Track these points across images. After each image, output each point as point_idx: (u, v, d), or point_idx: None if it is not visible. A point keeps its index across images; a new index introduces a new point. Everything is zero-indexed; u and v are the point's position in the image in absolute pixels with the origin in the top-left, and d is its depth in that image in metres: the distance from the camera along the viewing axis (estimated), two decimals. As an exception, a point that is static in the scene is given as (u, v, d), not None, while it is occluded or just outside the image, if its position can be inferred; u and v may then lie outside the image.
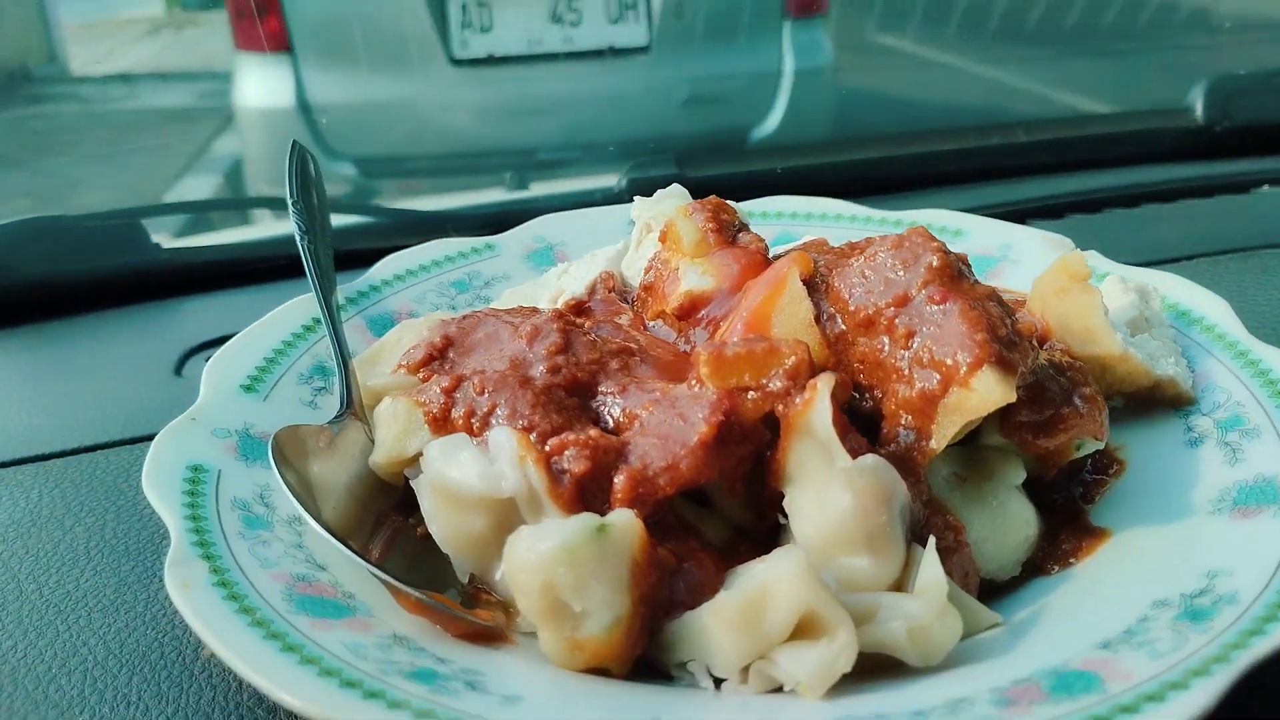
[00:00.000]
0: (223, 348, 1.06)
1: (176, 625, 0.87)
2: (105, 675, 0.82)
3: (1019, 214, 1.94)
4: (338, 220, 1.83)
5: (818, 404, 0.81)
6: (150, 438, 1.18)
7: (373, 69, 4.61)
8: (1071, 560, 0.86)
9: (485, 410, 0.90)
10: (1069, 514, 0.91)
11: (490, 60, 4.45)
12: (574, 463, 0.82)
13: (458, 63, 4.42)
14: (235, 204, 1.93)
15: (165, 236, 1.89)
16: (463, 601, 0.84)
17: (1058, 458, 0.90)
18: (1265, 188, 2.10)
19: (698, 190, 2.05)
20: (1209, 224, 1.82)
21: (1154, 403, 0.97)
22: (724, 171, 2.05)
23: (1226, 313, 1.03)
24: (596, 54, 4.50)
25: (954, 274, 0.88)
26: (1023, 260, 1.22)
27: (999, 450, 0.89)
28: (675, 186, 1.23)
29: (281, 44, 4.37)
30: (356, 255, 1.47)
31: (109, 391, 1.34)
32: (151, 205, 1.89)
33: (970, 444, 0.89)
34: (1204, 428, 0.93)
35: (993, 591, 0.85)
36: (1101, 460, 0.95)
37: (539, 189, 3.05)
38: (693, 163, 2.01)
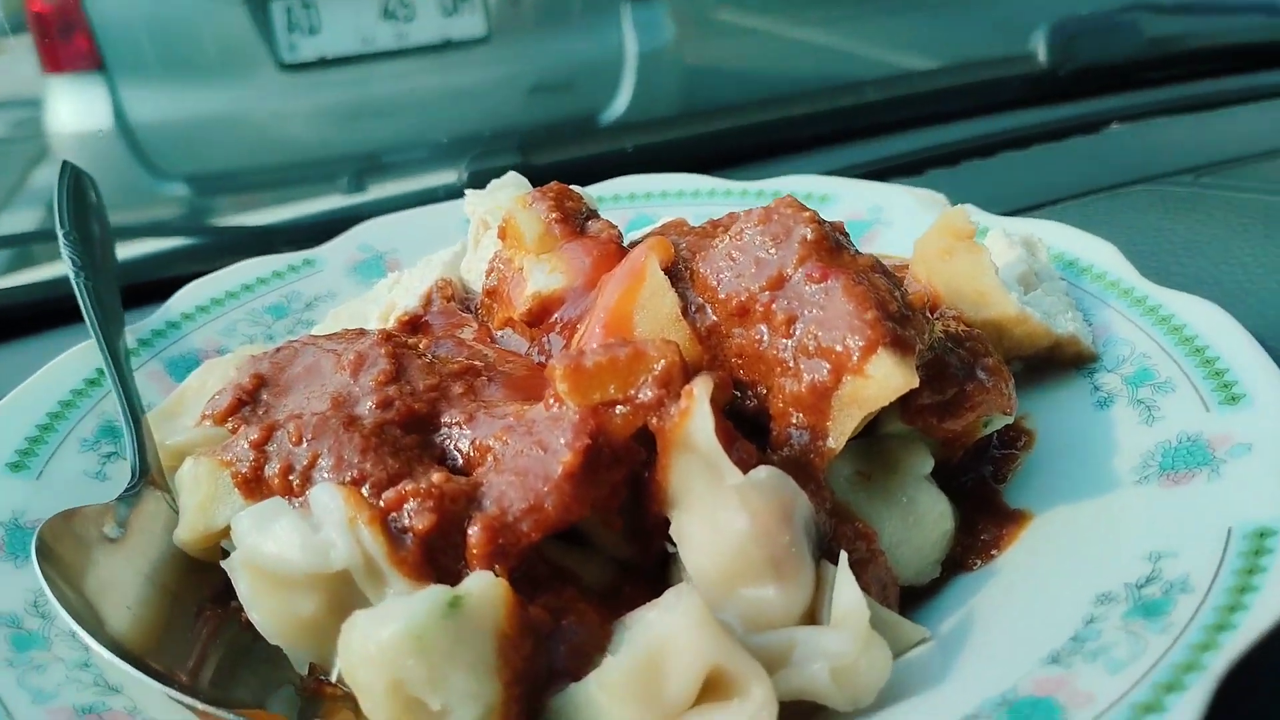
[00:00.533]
0: (-19, 419, 0.88)
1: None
2: None
3: (878, 173, 1.88)
4: (155, 245, 1.62)
5: (696, 413, 0.69)
6: None
7: (197, 81, 4.30)
8: (994, 552, 0.77)
9: (305, 463, 0.75)
10: (982, 498, 0.82)
11: (321, 63, 4.21)
12: (417, 518, 0.69)
13: (287, 68, 4.16)
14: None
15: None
16: (301, 703, 0.70)
17: (964, 438, 0.80)
18: (1114, 125, 2.10)
19: (545, 177, 1.92)
20: (1069, 165, 1.79)
21: (1053, 364, 0.89)
22: (572, 156, 1.92)
23: (1116, 258, 0.96)
24: (433, 48, 4.32)
25: (831, 246, 0.77)
26: (895, 221, 1.14)
27: (900, 438, 0.79)
28: (511, 175, 1.10)
29: (93, 63, 4.04)
30: (174, 282, 1.29)
31: None
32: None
33: (868, 436, 0.78)
34: (1112, 385, 0.85)
35: (913, 597, 0.76)
36: (1008, 433, 0.86)
37: (378, 191, 2.86)
38: (538, 149, 1.88)
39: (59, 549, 0.71)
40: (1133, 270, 0.94)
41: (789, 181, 1.24)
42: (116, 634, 0.68)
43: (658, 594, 0.70)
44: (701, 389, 0.70)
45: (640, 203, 1.26)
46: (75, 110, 4.11)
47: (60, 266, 1.08)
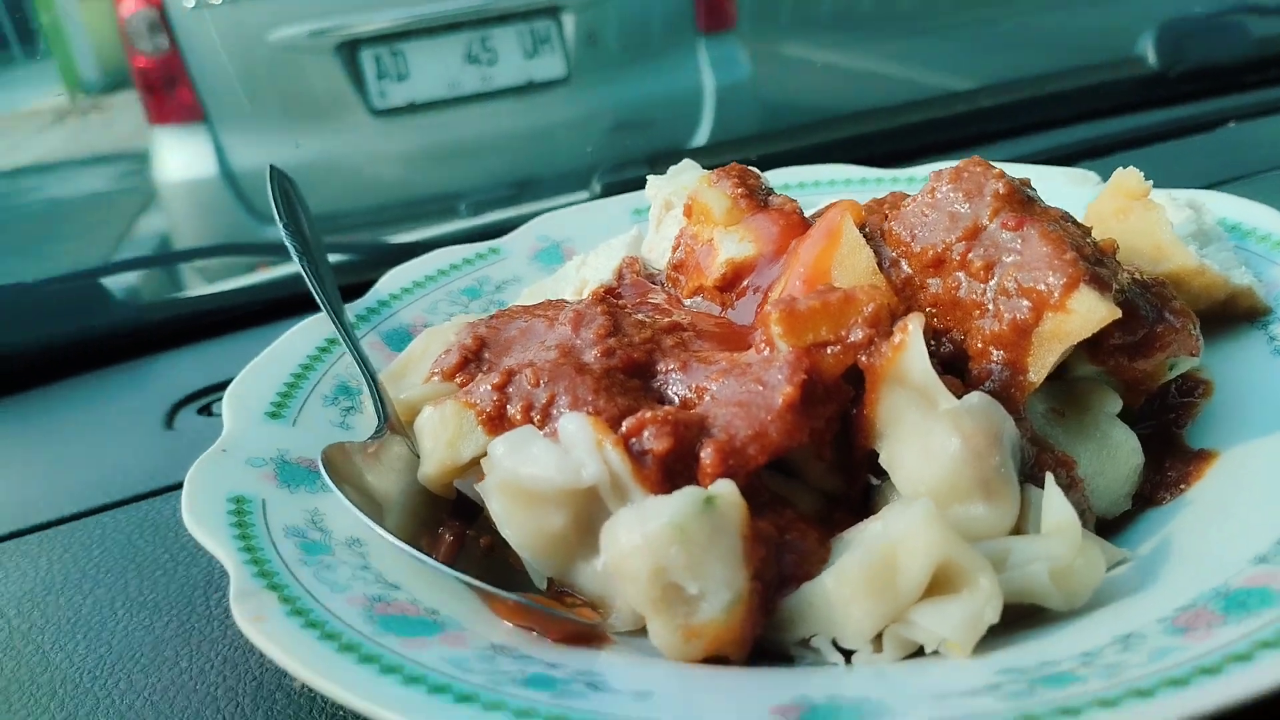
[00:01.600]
0: (238, 377, 0.99)
1: (227, 675, 0.80)
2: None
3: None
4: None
5: (911, 347, 0.76)
6: (152, 494, 1.11)
7: (293, 129, 4.54)
8: (1182, 487, 0.81)
9: (544, 401, 0.83)
10: (1166, 441, 0.87)
11: (411, 108, 4.41)
12: (655, 441, 0.76)
13: (378, 113, 4.38)
14: (200, 253, 1.85)
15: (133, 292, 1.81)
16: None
17: (1150, 381, 0.85)
18: (1231, 124, 2.10)
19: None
20: (1190, 160, 1.81)
21: (1227, 317, 0.93)
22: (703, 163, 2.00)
23: (1278, 220, 1.00)
24: (516, 90, 4.48)
25: (1023, 199, 0.83)
26: (1046, 196, 1.18)
27: (1089, 380, 0.84)
28: (688, 161, 1.18)
29: (196, 114, 4.29)
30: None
31: (99, 454, 1.26)
32: (113, 263, 1.80)
33: (1058, 379, 0.84)
34: (1288, 336, 0.89)
35: (1107, 529, 0.80)
36: (1186, 384, 0.90)
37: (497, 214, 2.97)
38: (665, 161, 1.97)
39: (337, 468, 0.81)
40: (1298, 232, 0.98)
41: (938, 167, 1.29)
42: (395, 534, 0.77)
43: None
44: (916, 324, 0.76)
45: (809, 190, 1.33)
46: (180, 160, 4.39)
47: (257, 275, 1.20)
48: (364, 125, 4.36)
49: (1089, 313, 0.75)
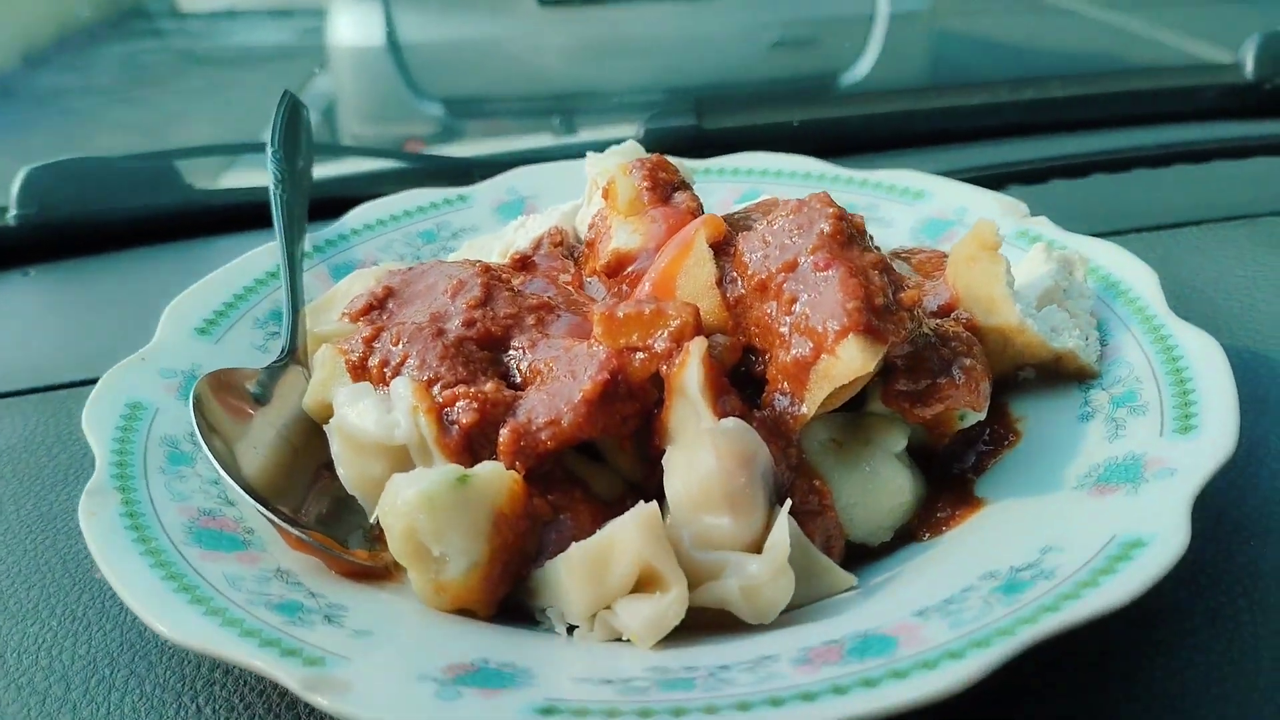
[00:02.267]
0: (185, 291, 1.14)
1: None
2: (58, 591, 0.92)
3: (1041, 172, 1.92)
4: (369, 165, 1.91)
5: (689, 365, 0.85)
6: None
7: (461, 8, 4.68)
8: (944, 528, 0.88)
9: (398, 360, 0.95)
10: (956, 482, 0.93)
11: (577, 0, 4.48)
12: (463, 414, 0.88)
13: (546, 3, 4.47)
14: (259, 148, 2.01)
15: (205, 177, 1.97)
16: (367, 541, 0.91)
17: (943, 427, 0.91)
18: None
19: (714, 142, 2.06)
20: (1231, 187, 1.75)
21: (1061, 375, 0.98)
22: (741, 123, 2.05)
23: (1153, 286, 1.02)
24: None
25: (844, 240, 0.89)
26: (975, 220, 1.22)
27: (884, 418, 0.91)
28: (629, 143, 1.26)
29: None
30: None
31: (117, 329, 1.43)
32: (182, 148, 1.98)
33: (855, 410, 0.91)
34: (1098, 402, 0.94)
35: (864, 555, 0.88)
36: (999, 431, 0.96)
37: (586, 134, 3.04)
38: (711, 114, 2.02)
39: (212, 398, 0.95)
40: (1161, 299, 1.00)
41: (895, 174, 1.33)
42: (243, 469, 0.91)
43: (653, 509, 0.87)
44: (697, 347, 0.85)
45: (756, 178, 1.39)
46: (353, 26, 4.58)
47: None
48: (531, 13, 4.47)
49: (850, 361, 0.82)
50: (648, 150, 1.80)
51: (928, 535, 0.89)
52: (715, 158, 1.41)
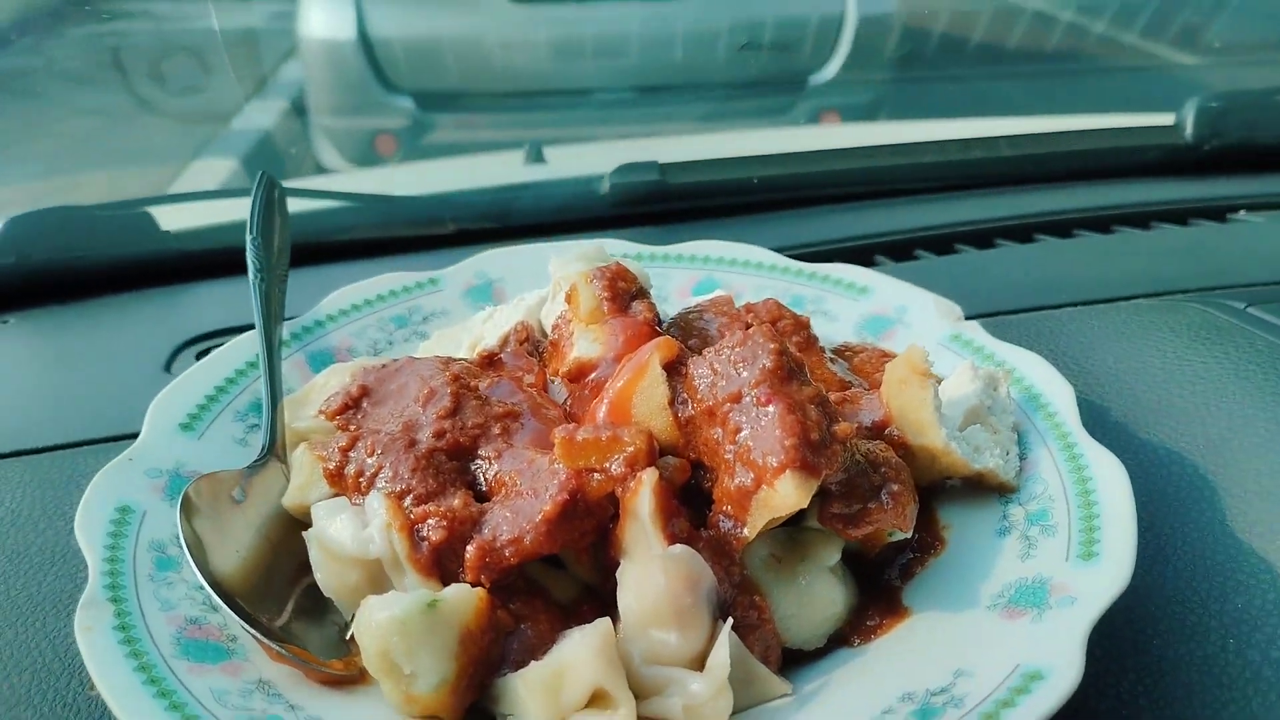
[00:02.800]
0: (168, 386, 1.20)
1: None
2: (49, 678, 0.98)
3: (986, 233, 2.03)
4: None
5: (641, 494, 0.93)
6: (132, 436, 1.34)
7: (434, 3, 4.72)
8: (872, 635, 0.97)
9: (372, 471, 1.03)
10: (884, 589, 1.02)
11: (549, -1, 4.54)
12: (433, 531, 0.95)
13: (517, 0, 4.52)
14: (231, 194, 2.07)
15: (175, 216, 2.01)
16: (344, 642, 0.98)
17: (873, 541, 1.00)
18: (1242, 213, 2.13)
19: (678, 195, 2.14)
20: (1167, 259, 1.86)
21: (983, 487, 1.07)
22: (703, 179, 2.14)
23: (1069, 402, 1.11)
24: None
25: (784, 375, 0.98)
26: (914, 324, 1.31)
27: (820, 532, 1.00)
28: (592, 246, 1.34)
29: None
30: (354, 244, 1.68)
31: (98, 386, 1.49)
32: (160, 195, 2.03)
33: (795, 525, 1.00)
34: (1016, 518, 1.03)
35: (800, 659, 0.97)
36: (926, 539, 1.05)
37: (553, 160, 3.11)
38: (675, 171, 2.10)
39: (202, 499, 1.02)
40: (1076, 415, 1.09)
41: (840, 269, 1.42)
42: (223, 571, 0.98)
43: (609, 613, 0.95)
44: (649, 477, 0.93)
45: (713, 265, 1.47)
46: (324, 18, 4.61)
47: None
48: (503, 10, 4.52)
49: (787, 496, 0.90)
50: (612, 206, 1.89)
51: (858, 641, 0.97)
52: (674, 245, 1.49)
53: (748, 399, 0.97)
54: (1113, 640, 0.94)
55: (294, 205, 1.58)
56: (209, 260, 1.89)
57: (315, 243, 1.87)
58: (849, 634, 0.98)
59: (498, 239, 2.00)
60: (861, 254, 1.94)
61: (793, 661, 0.96)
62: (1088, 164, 2.31)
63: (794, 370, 0.99)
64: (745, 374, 0.98)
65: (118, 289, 1.84)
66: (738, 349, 1.01)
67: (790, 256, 1.46)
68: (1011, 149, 2.31)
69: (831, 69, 4.67)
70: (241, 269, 1.79)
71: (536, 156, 3.29)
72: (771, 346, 1.00)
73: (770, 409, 0.95)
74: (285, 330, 1.33)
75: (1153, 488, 1.11)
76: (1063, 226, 2.08)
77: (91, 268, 1.86)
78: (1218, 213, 2.12)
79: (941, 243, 2.01)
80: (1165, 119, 2.35)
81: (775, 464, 0.91)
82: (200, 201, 2.18)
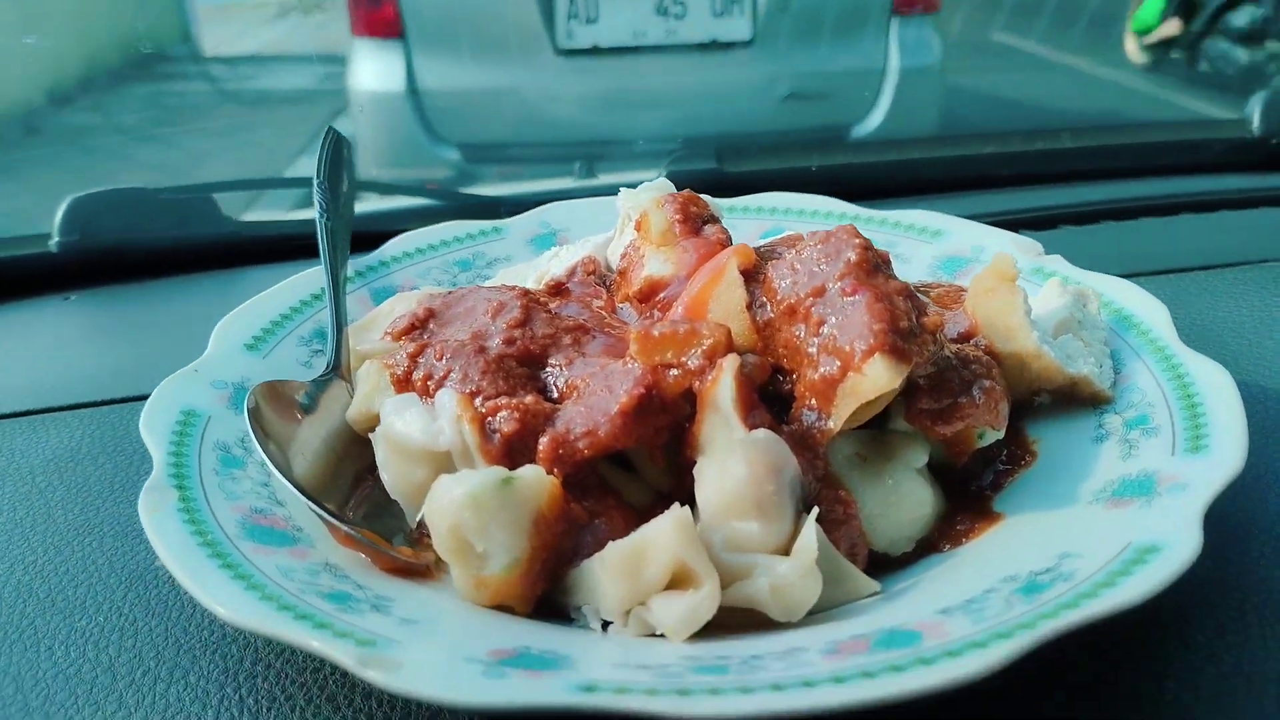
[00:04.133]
0: (233, 310, 1.19)
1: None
2: (105, 589, 0.96)
3: (1050, 219, 1.98)
4: (400, 202, 1.99)
5: (722, 380, 0.89)
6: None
7: (480, 57, 4.81)
8: (963, 540, 0.92)
9: (441, 375, 1.00)
10: (974, 498, 0.97)
11: (595, 51, 4.60)
12: (505, 424, 0.92)
13: (563, 53, 4.59)
14: (297, 182, 2.08)
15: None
16: (408, 543, 0.95)
17: (962, 445, 0.95)
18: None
19: (735, 187, 2.13)
20: (1236, 235, 1.80)
21: (1075, 400, 1.02)
22: (760, 167, 2.12)
23: (1164, 319, 1.07)
24: (700, 47, 4.60)
25: (870, 268, 0.94)
26: (987, 257, 1.27)
27: (906, 435, 0.95)
28: (661, 180, 1.32)
29: (394, 30, 4.61)
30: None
31: (161, 351, 1.49)
32: (220, 181, 2.06)
33: (880, 427, 0.95)
34: (1112, 425, 0.97)
35: (887, 564, 0.92)
36: (1015, 451, 1.00)
37: (605, 179, 3.14)
38: (732, 158, 2.09)
39: (269, 403, 1.00)
40: (1173, 331, 1.04)
41: (914, 214, 1.39)
42: (294, 471, 0.95)
43: (684, 514, 0.91)
44: (730, 363, 0.90)
45: (779, 216, 1.45)
46: (374, 71, 4.72)
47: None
48: (549, 63, 4.59)
49: (876, 378, 0.86)
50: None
51: (948, 546, 0.92)
52: (739, 197, 1.47)
53: (832, 290, 0.93)
54: (1224, 521, 0.88)
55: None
56: (269, 245, 1.91)
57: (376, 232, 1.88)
58: (937, 540, 0.93)
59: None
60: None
61: (878, 567, 0.91)
62: (1153, 158, 2.27)
63: (879, 264, 0.96)
64: (829, 268, 0.95)
65: (178, 270, 1.85)
66: (820, 245, 0.98)
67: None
68: (1074, 141, 2.28)
69: (875, 119, 4.69)
70: (301, 255, 1.82)
71: (589, 173, 3.31)
72: (856, 241, 0.97)
73: (857, 298, 0.91)
74: (350, 269, 1.32)
75: (1251, 408, 1.06)
76: (1128, 213, 2.03)
77: (153, 248, 1.88)
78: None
79: (1004, 226, 1.98)
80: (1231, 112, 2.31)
81: (863, 348, 0.88)
82: (256, 189, 2.21)
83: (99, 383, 1.38)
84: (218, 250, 1.89)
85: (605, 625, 0.84)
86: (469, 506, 0.82)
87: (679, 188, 1.96)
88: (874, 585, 0.87)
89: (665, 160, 2.09)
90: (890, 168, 2.18)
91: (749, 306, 1.00)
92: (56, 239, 1.76)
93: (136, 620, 0.92)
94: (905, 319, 0.90)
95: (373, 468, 1.00)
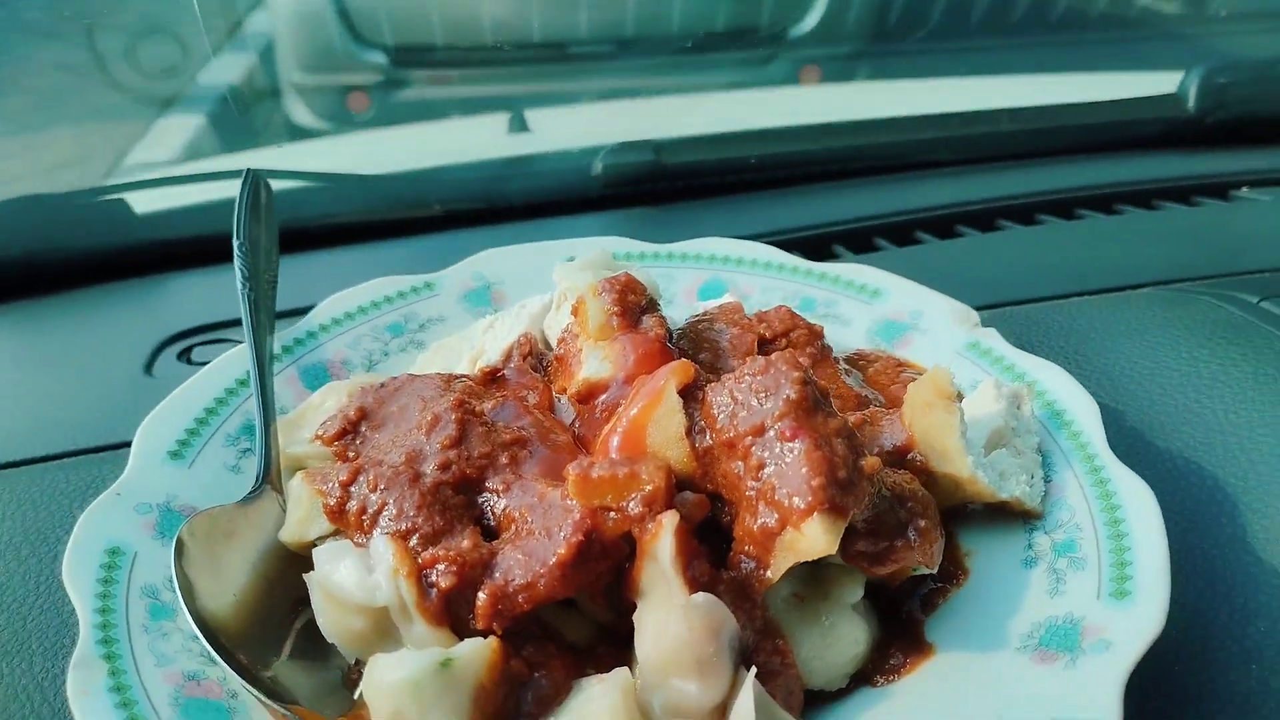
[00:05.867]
0: (155, 410, 1.14)
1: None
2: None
3: (988, 214, 1.99)
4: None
5: (662, 539, 0.89)
6: (113, 447, 1.28)
7: None
8: (895, 676, 0.94)
9: (375, 509, 0.98)
10: (907, 624, 0.99)
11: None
12: (442, 577, 0.91)
13: None
14: (214, 177, 1.99)
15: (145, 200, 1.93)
16: (345, 681, 0.94)
17: (898, 576, 0.97)
18: (1245, 190, 2.10)
19: (673, 175, 2.09)
20: (1173, 244, 1.82)
21: (1007, 512, 1.04)
22: (699, 158, 2.08)
23: (1093, 419, 1.08)
24: None
25: (809, 407, 0.93)
26: (929, 330, 1.27)
27: (840, 567, 0.96)
28: (599, 253, 1.28)
29: None
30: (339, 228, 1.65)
31: (77, 391, 1.43)
32: (134, 181, 1.96)
33: (817, 561, 0.96)
34: (1042, 548, 1.00)
35: (822, 699, 0.94)
36: (948, 568, 1.02)
37: (536, 127, 3.06)
38: (670, 151, 2.05)
39: (191, 544, 0.97)
40: (1102, 436, 1.06)
41: (853, 270, 1.37)
42: (219, 614, 0.94)
43: (624, 655, 0.92)
44: (669, 520, 0.89)
45: (718, 265, 1.42)
46: None
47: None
48: None
49: (815, 540, 0.86)
50: (605, 186, 1.83)
51: (882, 681, 0.94)
52: (679, 243, 1.44)
53: (771, 432, 0.93)
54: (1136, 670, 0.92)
55: (274, 186, 1.51)
56: (188, 248, 1.83)
57: (297, 227, 1.80)
58: (871, 673, 0.95)
59: (486, 221, 1.95)
60: (862, 237, 1.91)
61: (814, 701, 0.93)
62: (1090, 138, 2.27)
63: (819, 401, 0.95)
64: (768, 404, 0.94)
65: (92, 281, 1.77)
66: (759, 377, 0.96)
67: (791, 238, 1.41)
68: (1013, 124, 2.27)
69: (811, 20, 4.58)
70: (223, 256, 1.74)
71: (520, 125, 3.21)
72: (795, 375, 0.95)
73: (796, 445, 0.91)
74: (276, 343, 1.27)
75: (1171, 501, 1.08)
76: (1066, 206, 2.05)
77: (64, 259, 1.79)
78: (1220, 189, 2.09)
79: (943, 224, 1.98)
80: (1168, 81, 2.31)
81: (802, 505, 0.88)
82: (175, 185, 2.10)
83: (16, 430, 1.33)
84: (134, 256, 1.82)
85: (551, 792, 0.85)
86: (409, 693, 0.81)
87: (616, 181, 1.93)
88: (811, 735, 0.89)
89: (601, 155, 2.03)
90: (826, 155, 2.15)
91: (688, 433, 0.99)
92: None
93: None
94: (844, 467, 0.90)
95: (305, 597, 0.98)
